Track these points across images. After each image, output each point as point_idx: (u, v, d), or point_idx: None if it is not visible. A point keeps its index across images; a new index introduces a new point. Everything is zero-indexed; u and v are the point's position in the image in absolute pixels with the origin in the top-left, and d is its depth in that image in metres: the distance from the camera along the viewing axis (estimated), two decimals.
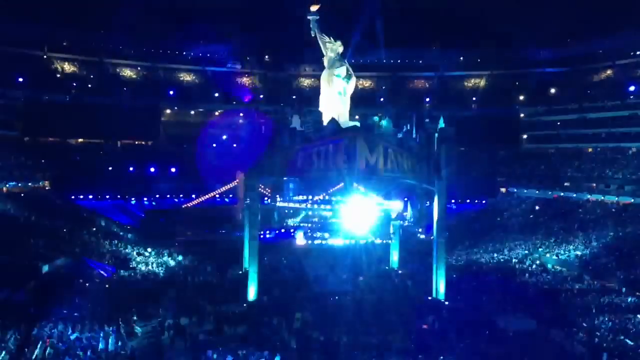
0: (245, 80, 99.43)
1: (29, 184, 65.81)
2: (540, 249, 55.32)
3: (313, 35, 42.45)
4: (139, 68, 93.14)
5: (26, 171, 66.48)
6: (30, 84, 78.11)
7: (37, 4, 78.45)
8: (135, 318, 31.20)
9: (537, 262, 51.47)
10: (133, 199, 73.84)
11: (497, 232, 64.06)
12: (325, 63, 43.18)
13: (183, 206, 72.80)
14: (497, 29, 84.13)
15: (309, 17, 41.86)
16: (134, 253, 52.22)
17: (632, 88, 74.94)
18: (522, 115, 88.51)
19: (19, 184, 64.21)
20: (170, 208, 73.97)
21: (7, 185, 62.77)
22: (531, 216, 66.74)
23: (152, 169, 78.14)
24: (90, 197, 69.81)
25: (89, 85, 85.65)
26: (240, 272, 44.74)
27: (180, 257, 52.11)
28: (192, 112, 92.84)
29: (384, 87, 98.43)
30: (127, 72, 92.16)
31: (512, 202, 74.23)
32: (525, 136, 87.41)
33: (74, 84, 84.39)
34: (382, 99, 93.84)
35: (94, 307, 32.81)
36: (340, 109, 41.30)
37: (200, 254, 53.46)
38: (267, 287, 38.66)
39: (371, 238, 48.34)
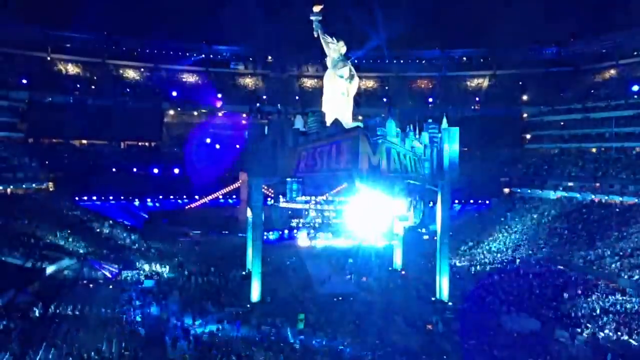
0: (248, 80, 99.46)
1: (33, 185, 66.00)
2: (543, 249, 55.17)
3: (316, 36, 42.42)
4: (141, 69, 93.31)
5: (30, 172, 66.59)
6: (34, 85, 78.47)
7: (40, 6, 78.71)
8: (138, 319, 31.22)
9: (541, 262, 51.31)
10: (136, 200, 74.00)
11: (501, 232, 63.89)
12: (329, 63, 43.14)
13: (186, 207, 73.03)
14: (500, 29, 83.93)
15: (312, 18, 41.81)
16: (138, 254, 52.24)
17: (635, 87, 74.59)
18: (525, 115, 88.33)
19: (23, 185, 64.37)
20: (174, 209, 74.18)
21: (12, 187, 62.97)
22: (534, 216, 66.50)
23: (156, 170, 78.32)
24: (94, 198, 70.03)
25: (92, 87, 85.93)
26: (244, 273, 44.74)
27: (183, 258, 52.11)
28: (195, 113, 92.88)
29: (387, 88, 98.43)
30: (130, 74, 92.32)
31: (515, 203, 73.98)
32: (528, 136, 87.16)
33: (77, 86, 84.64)
34: (385, 99, 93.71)
35: (98, 308, 32.88)
36: (343, 110, 41.26)
37: (204, 255, 53.49)
38: (271, 288, 38.65)
39: (378, 241, 47.92)
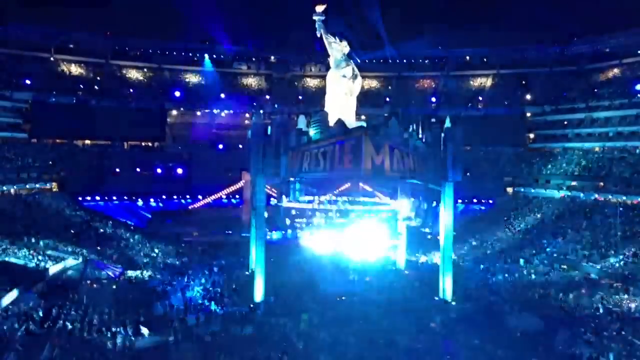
0: (251, 80, 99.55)
1: (37, 185, 66.21)
2: (547, 249, 55.10)
3: (319, 36, 42.44)
4: (145, 69, 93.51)
5: (34, 173, 66.80)
6: (37, 86, 78.73)
7: (44, 7, 78.96)
8: (142, 319, 31.28)
9: (545, 261, 51.26)
10: (140, 200, 74.19)
11: (504, 231, 63.84)
12: (331, 63, 43.17)
13: (190, 207, 73.12)
14: (503, 28, 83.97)
15: (314, 18, 41.84)
16: (141, 254, 52.39)
17: (639, 86, 74.41)
18: (528, 114, 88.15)
19: (27, 186, 64.58)
20: (177, 209, 74.33)
21: (15, 187, 63.18)
22: (538, 215, 66.43)
23: (159, 170, 78.50)
24: (98, 198, 70.26)
25: (96, 87, 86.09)
26: (247, 273, 44.79)
27: (186, 258, 52.24)
28: (198, 113, 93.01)
29: (390, 87, 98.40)
30: (134, 74, 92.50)
31: (518, 202, 73.90)
32: (532, 135, 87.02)
33: (81, 86, 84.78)
34: (388, 99, 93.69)
35: (102, 308, 32.96)
36: (346, 109, 41.27)
37: (207, 255, 53.58)
38: (274, 288, 38.67)
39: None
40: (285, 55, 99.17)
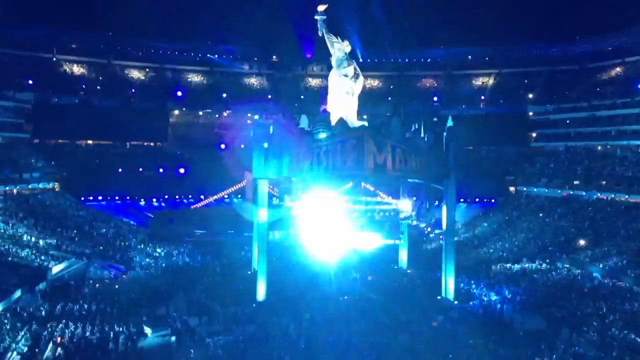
0: (253, 80, 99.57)
1: (39, 185, 66.29)
2: (550, 248, 55.01)
3: (321, 35, 42.40)
4: (147, 69, 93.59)
5: (36, 173, 66.87)
6: (39, 86, 78.73)
7: (46, 6, 79.01)
8: (145, 319, 31.31)
9: (547, 260, 51.17)
10: (142, 200, 74.23)
11: (506, 231, 63.76)
12: (333, 63, 43.12)
13: (192, 207, 73.10)
14: (505, 27, 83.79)
15: (316, 17, 41.81)
16: (143, 254, 52.44)
17: None
18: (531, 113, 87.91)
19: (29, 186, 64.67)
20: (179, 209, 74.32)
21: (18, 187, 63.27)
22: (540, 214, 66.30)
23: (161, 170, 78.60)
24: (100, 198, 70.34)
25: (98, 87, 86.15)
26: (249, 272, 44.79)
27: (188, 258, 52.26)
28: (200, 113, 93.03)
29: (392, 87, 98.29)
30: (135, 74, 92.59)
31: (521, 201, 73.77)
32: (534, 134, 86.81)
33: (83, 86, 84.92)
34: (390, 99, 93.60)
35: (104, 308, 33.02)
36: (348, 109, 41.24)
37: (209, 255, 53.60)
38: (277, 287, 38.66)
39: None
40: (286, 55, 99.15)
